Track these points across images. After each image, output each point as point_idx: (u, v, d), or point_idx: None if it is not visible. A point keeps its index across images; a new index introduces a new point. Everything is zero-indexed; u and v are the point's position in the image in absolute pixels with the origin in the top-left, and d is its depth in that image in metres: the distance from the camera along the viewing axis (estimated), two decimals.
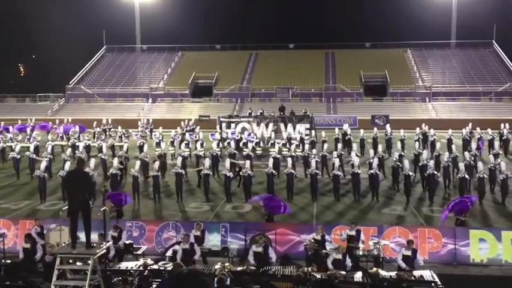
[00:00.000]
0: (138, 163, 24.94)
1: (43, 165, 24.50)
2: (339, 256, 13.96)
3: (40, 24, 72.43)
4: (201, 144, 31.38)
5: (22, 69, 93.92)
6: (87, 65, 69.04)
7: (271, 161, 24.51)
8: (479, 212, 20.92)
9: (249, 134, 35.50)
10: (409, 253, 13.99)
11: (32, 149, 30.02)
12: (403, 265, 13.87)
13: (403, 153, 27.06)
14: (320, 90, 60.35)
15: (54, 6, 73.36)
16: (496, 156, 26.22)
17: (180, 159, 25.17)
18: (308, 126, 38.09)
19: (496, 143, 29.21)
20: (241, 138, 34.69)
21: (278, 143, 32.51)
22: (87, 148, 32.15)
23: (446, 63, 65.07)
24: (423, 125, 36.07)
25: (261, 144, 34.80)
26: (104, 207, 12.61)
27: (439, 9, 67.45)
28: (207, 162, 24.63)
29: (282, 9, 76.49)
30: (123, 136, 36.08)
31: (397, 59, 66.54)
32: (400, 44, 68.11)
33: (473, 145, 29.49)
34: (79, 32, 70.25)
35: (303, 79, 62.56)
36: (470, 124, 35.11)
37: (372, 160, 24.70)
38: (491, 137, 32.31)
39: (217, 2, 75.98)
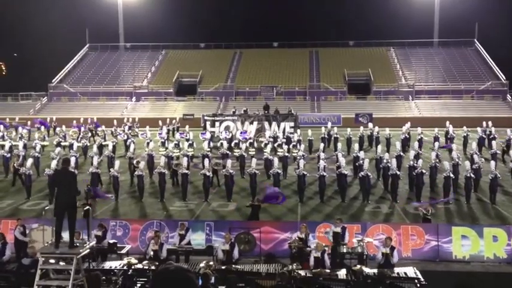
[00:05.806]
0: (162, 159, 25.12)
1: (29, 162, 24.52)
2: (318, 254, 14.01)
3: (22, 22, 71.61)
4: (191, 145, 31.06)
5: (4, 68, 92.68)
6: (70, 64, 68.31)
7: (254, 161, 24.42)
8: (467, 211, 21.09)
9: (242, 133, 34.91)
10: (387, 250, 14.04)
11: (7, 147, 30.03)
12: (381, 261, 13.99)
13: (400, 153, 27.19)
14: (304, 89, 60.45)
15: (36, 4, 72.56)
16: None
17: (163, 159, 25.12)
18: (292, 124, 38.17)
19: (474, 143, 29.24)
20: (232, 138, 34.26)
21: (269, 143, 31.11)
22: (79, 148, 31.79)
23: (429, 62, 65.50)
24: (408, 123, 35.84)
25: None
26: (88, 206, 12.55)
27: (421, 8, 67.87)
28: (185, 161, 24.54)
29: (266, 8, 76.47)
30: (110, 135, 35.87)
31: (381, 58, 66.80)
32: (383, 43, 68.39)
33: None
34: (62, 30, 69.30)
35: (287, 78, 62.60)
36: (447, 122, 35.17)
37: (362, 162, 24.08)
38: (465, 134, 32.78)
39: (201, 0, 75.79)
